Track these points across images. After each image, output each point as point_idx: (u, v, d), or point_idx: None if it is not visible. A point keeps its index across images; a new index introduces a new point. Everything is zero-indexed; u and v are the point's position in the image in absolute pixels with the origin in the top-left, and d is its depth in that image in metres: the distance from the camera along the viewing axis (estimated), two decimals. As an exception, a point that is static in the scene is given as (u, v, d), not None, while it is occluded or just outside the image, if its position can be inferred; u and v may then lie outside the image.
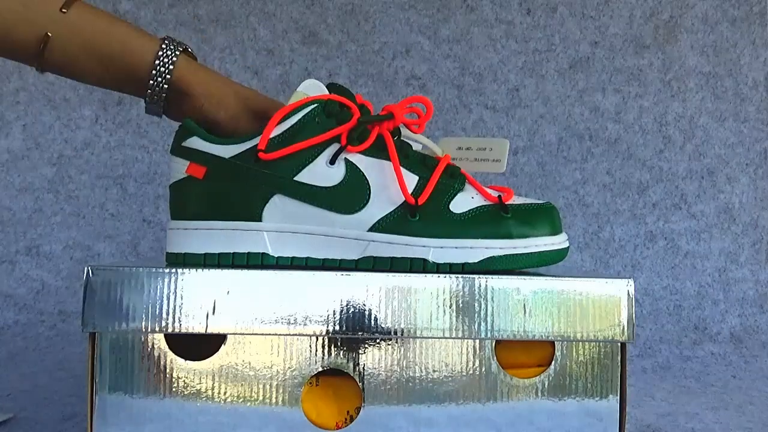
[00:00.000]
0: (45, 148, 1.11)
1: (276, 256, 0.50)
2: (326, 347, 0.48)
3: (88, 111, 1.12)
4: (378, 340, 0.48)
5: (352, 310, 0.47)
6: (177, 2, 1.12)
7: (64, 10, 0.51)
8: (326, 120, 0.51)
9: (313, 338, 0.48)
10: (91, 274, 0.46)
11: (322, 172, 0.50)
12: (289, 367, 0.47)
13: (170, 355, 0.47)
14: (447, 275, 0.47)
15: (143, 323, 0.46)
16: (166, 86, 0.53)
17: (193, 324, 0.46)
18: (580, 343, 0.49)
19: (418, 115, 0.55)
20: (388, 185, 0.50)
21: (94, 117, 1.12)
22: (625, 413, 0.49)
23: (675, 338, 1.03)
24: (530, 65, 1.14)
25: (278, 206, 0.50)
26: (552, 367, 0.49)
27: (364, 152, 0.51)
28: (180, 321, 0.46)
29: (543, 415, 0.48)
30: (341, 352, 0.48)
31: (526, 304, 0.48)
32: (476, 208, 0.50)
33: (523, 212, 0.50)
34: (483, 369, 0.48)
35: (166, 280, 0.46)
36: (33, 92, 1.11)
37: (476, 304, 0.47)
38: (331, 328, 0.47)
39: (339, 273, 0.47)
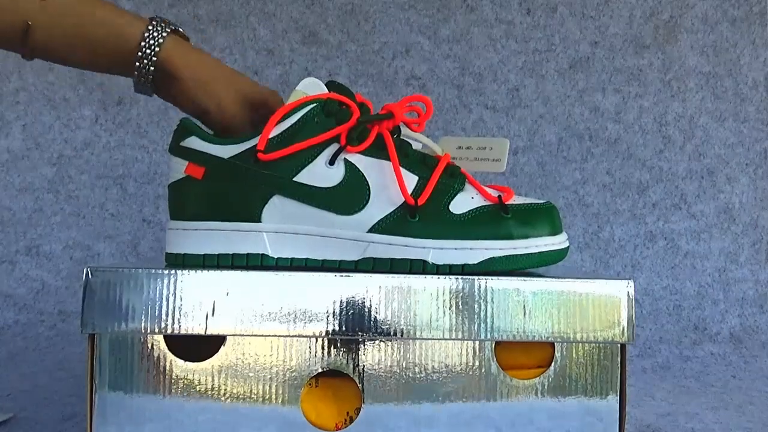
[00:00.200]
0: (45, 148, 1.11)
1: (275, 256, 0.50)
2: (326, 348, 0.48)
3: (88, 111, 1.12)
4: (378, 341, 0.48)
5: (351, 310, 0.47)
6: (177, 2, 1.12)
7: None
8: (325, 119, 0.51)
9: (313, 339, 0.47)
10: (90, 275, 0.46)
11: (322, 173, 0.50)
12: (288, 368, 0.47)
13: (170, 356, 0.47)
14: (447, 276, 0.47)
15: (143, 324, 0.46)
16: (152, 68, 0.52)
17: (192, 325, 0.46)
18: (580, 343, 0.49)
19: (418, 113, 0.55)
20: (388, 185, 0.50)
21: (94, 117, 1.12)
22: (625, 413, 0.49)
23: (675, 338, 1.03)
24: (530, 65, 1.14)
25: (277, 207, 0.50)
26: (552, 367, 0.49)
27: (363, 152, 0.51)
28: (179, 322, 0.46)
29: (543, 415, 0.48)
30: (341, 353, 0.48)
31: (525, 305, 0.48)
32: (476, 208, 0.50)
33: (523, 212, 0.50)
34: (483, 370, 0.48)
35: (166, 280, 0.46)
36: (33, 92, 1.11)
37: (476, 305, 0.47)
38: (330, 329, 0.47)
39: (339, 274, 0.47)
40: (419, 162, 0.52)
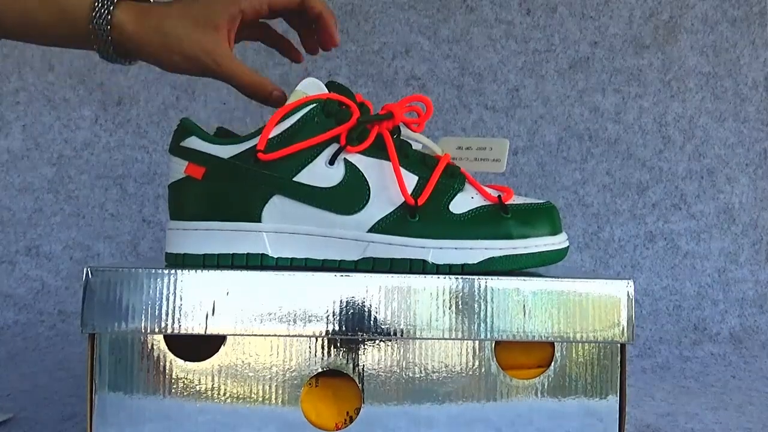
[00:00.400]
0: (45, 148, 1.11)
1: (275, 256, 0.50)
2: (326, 348, 0.48)
3: (88, 111, 1.12)
4: (377, 341, 0.48)
5: (351, 310, 0.47)
6: (177, 2, 1.12)
7: None
8: (325, 120, 0.51)
9: (313, 339, 0.47)
10: (90, 275, 0.46)
11: (322, 173, 0.50)
12: (288, 368, 0.47)
13: (169, 356, 0.47)
14: (447, 276, 0.47)
15: (143, 324, 0.46)
16: (110, 39, 0.51)
17: (192, 325, 0.46)
18: (580, 343, 0.49)
19: (418, 114, 0.55)
20: (388, 186, 0.50)
21: (93, 117, 1.12)
22: (625, 413, 0.49)
23: (675, 338, 1.03)
24: (530, 65, 1.14)
25: (277, 207, 0.50)
26: (552, 367, 0.49)
27: (363, 152, 0.51)
28: (179, 322, 0.46)
29: (543, 415, 0.48)
30: (341, 353, 0.48)
31: (525, 304, 0.48)
32: (476, 208, 0.50)
33: (523, 212, 0.50)
34: (483, 370, 0.48)
35: (166, 280, 0.46)
36: (33, 92, 1.11)
37: (476, 305, 0.47)
38: (330, 329, 0.47)
39: (339, 274, 0.47)
40: (419, 162, 0.52)
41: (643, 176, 1.13)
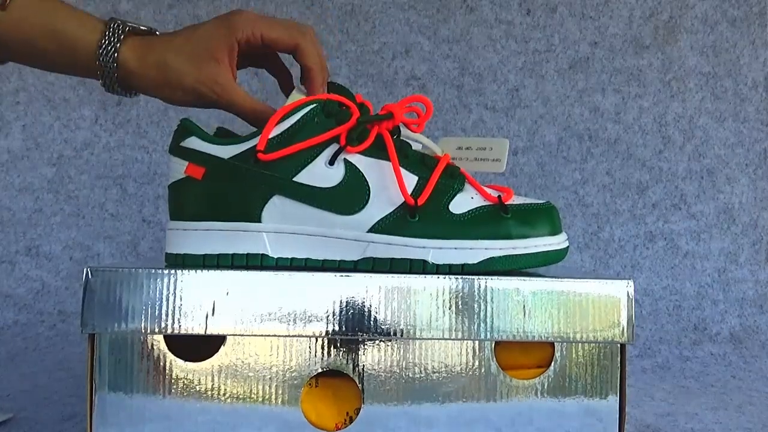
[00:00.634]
0: (45, 148, 1.11)
1: (275, 257, 0.50)
2: (326, 348, 0.48)
3: (87, 111, 1.12)
4: (377, 341, 0.48)
5: (351, 310, 0.47)
6: (177, 2, 1.12)
7: (6, 3, 0.51)
8: (325, 120, 0.51)
9: (313, 339, 0.47)
10: (90, 275, 0.46)
11: (322, 173, 0.50)
12: (288, 368, 0.47)
13: (169, 356, 0.47)
14: (447, 276, 0.47)
15: (142, 324, 0.46)
16: (116, 74, 0.52)
17: (192, 325, 0.46)
18: (580, 343, 0.49)
19: (418, 114, 0.55)
20: (388, 186, 0.50)
21: (93, 117, 1.12)
22: (625, 413, 0.49)
23: (675, 338, 1.03)
24: (530, 65, 1.14)
25: (277, 207, 0.50)
26: (552, 367, 0.49)
27: (363, 152, 0.51)
28: (179, 322, 0.46)
29: (543, 415, 0.48)
30: (341, 353, 0.48)
31: (525, 304, 0.48)
32: (476, 208, 0.50)
33: (523, 212, 0.50)
34: (482, 370, 0.48)
35: (166, 280, 0.46)
36: (33, 92, 1.11)
37: (476, 305, 0.47)
38: (330, 329, 0.47)
39: (339, 274, 0.47)
40: (419, 162, 0.52)
41: (643, 176, 1.13)
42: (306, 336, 0.47)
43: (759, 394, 0.83)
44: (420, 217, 0.49)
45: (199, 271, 0.47)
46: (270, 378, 0.47)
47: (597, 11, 1.14)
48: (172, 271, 0.47)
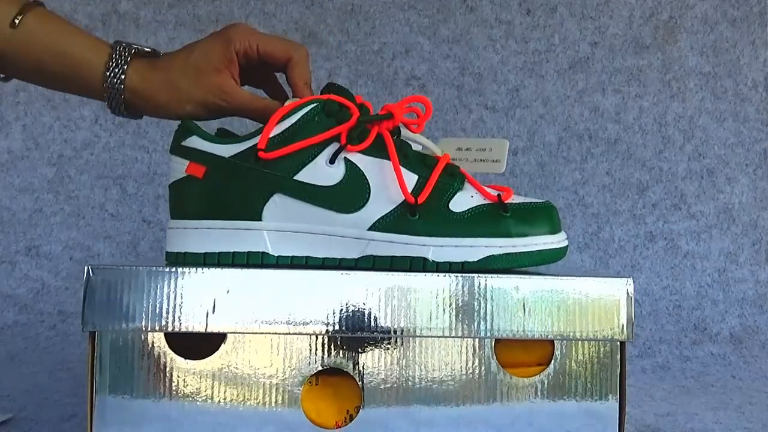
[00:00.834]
0: (45, 148, 1.11)
1: (276, 255, 0.50)
2: (326, 347, 0.48)
3: (87, 111, 1.12)
4: (378, 340, 0.48)
5: (352, 309, 0.47)
6: (177, 2, 1.12)
7: (16, 22, 0.51)
8: (326, 119, 0.51)
9: (313, 338, 0.48)
10: (91, 274, 0.46)
11: (322, 172, 0.50)
12: (288, 367, 0.47)
13: (170, 354, 0.47)
14: (446, 274, 0.47)
15: (143, 322, 0.46)
16: (122, 96, 0.53)
17: (193, 323, 0.46)
18: (580, 342, 0.49)
19: (418, 114, 0.55)
20: (388, 184, 0.50)
21: (93, 117, 1.12)
22: (625, 413, 0.49)
23: (675, 338, 1.03)
24: (530, 65, 1.14)
25: (278, 205, 0.50)
26: (551, 366, 0.49)
27: (363, 151, 0.51)
28: (180, 320, 0.46)
29: (543, 415, 0.48)
30: (341, 352, 0.48)
31: (525, 303, 0.48)
32: (476, 207, 0.50)
33: (522, 211, 0.50)
34: (482, 368, 0.48)
35: (166, 279, 0.46)
36: (33, 92, 1.11)
37: (476, 304, 0.47)
38: (331, 328, 0.47)
39: (339, 272, 0.47)
40: (419, 162, 0.52)
41: (643, 176, 1.13)
42: (306, 334, 0.47)
43: (759, 394, 0.83)
44: (420, 215, 0.49)
45: (199, 269, 0.47)
46: (270, 376, 0.47)
47: (597, 11, 1.15)
48: (173, 270, 0.47)
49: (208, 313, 0.46)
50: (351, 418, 0.48)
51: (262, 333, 0.47)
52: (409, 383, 0.48)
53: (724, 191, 1.14)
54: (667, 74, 1.14)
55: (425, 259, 0.49)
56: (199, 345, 0.48)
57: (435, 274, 0.47)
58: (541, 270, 0.53)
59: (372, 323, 0.47)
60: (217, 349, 0.47)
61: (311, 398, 0.48)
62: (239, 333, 0.47)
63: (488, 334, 0.47)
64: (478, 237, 0.49)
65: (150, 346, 0.47)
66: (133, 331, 0.46)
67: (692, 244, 1.12)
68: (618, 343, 0.49)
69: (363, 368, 0.48)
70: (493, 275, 0.48)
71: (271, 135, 0.50)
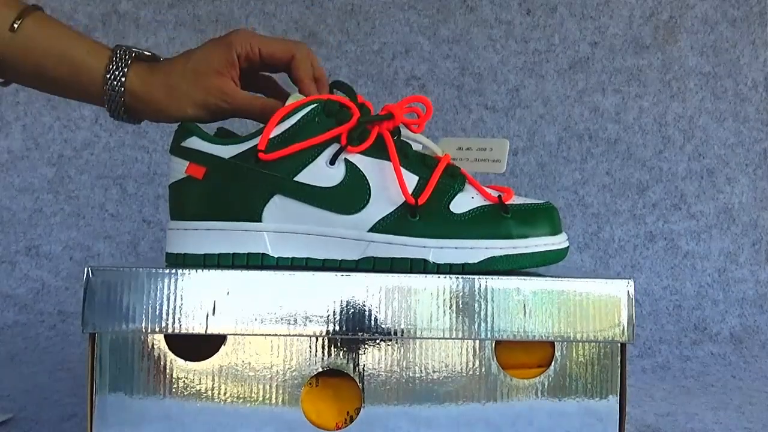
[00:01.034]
0: (45, 148, 1.11)
1: (276, 256, 0.50)
2: (326, 348, 0.48)
3: (87, 111, 1.12)
4: (378, 341, 0.48)
5: (352, 310, 0.47)
6: (177, 2, 1.12)
7: (15, 26, 0.51)
8: (326, 120, 0.51)
9: (313, 339, 0.48)
10: (91, 275, 0.46)
11: (322, 173, 0.50)
12: (289, 368, 0.47)
13: (170, 355, 0.47)
14: (447, 275, 0.47)
15: (143, 324, 0.46)
16: (122, 99, 0.53)
17: (193, 324, 0.46)
18: (580, 343, 0.49)
19: (418, 114, 0.55)
20: (388, 185, 0.50)
21: (93, 117, 1.12)
22: (625, 413, 0.49)
23: (675, 338, 1.03)
24: (530, 65, 1.14)
25: (278, 206, 0.50)
26: (552, 367, 0.49)
27: (364, 152, 0.51)
28: (180, 321, 0.46)
29: (543, 415, 0.48)
30: (341, 353, 0.48)
31: (526, 304, 0.48)
32: (476, 208, 0.50)
33: (523, 212, 0.50)
34: (483, 369, 0.48)
35: (166, 280, 0.46)
36: (33, 92, 1.11)
37: (476, 305, 0.47)
38: (331, 329, 0.47)
39: (339, 273, 0.47)
40: (419, 162, 0.52)
41: (643, 176, 1.13)
42: (306, 335, 0.47)
43: (759, 393, 0.83)
44: (420, 216, 0.49)
45: (199, 270, 0.47)
46: (270, 377, 0.47)
47: (597, 11, 1.14)
48: (173, 271, 0.47)
49: (208, 315, 0.46)
50: (351, 420, 0.48)
51: (262, 334, 0.47)
52: (410, 385, 0.48)
53: (724, 191, 1.14)
54: (667, 74, 1.14)
55: (426, 261, 0.49)
56: (199, 346, 0.48)
57: (435, 275, 0.47)
58: (542, 271, 0.53)
59: (372, 324, 0.47)
60: (217, 350, 0.47)
61: (311, 399, 0.48)
62: (239, 334, 0.47)
63: (489, 336, 0.47)
64: (478, 238, 0.49)
65: (150, 347, 0.47)
66: (133, 332, 0.46)
67: (692, 244, 1.12)
68: (619, 344, 0.49)
69: (363, 369, 0.48)
70: (493, 276, 0.48)
71: (271, 136, 0.50)
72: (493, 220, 0.49)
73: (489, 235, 0.49)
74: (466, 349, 0.48)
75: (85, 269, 0.46)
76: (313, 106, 0.51)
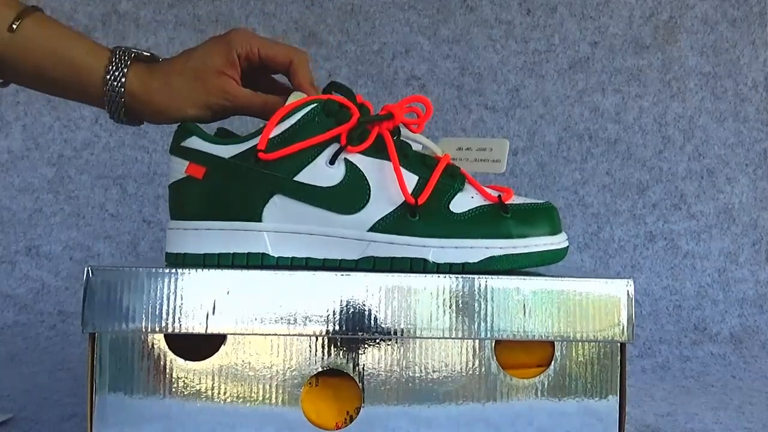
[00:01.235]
0: (45, 148, 1.11)
1: (276, 256, 0.50)
2: (326, 347, 0.48)
3: (87, 111, 1.12)
4: (378, 341, 0.48)
5: (352, 310, 0.47)
6: (177, 2, 1.12)
7: (14, 26, 0.51)
8: (326, 120, 0.51)
9: (313, 338, 0.48)
10: (91, 275, 0.46)
11: (322, 172, 0.50)
12: (288, 367, 0.47)
13: (170, 355, 0.47)
14: (447, 275, 0.47)
15: (143, 323, 0.46)
16: (122, 100, 0.53)
17: (193, 324, 0.46)
18: (580, 343, 0.49)
19: (418, 114, 0.55)
20: (388, 185, 0.50)
21: (93, 117, 1.12)
22: (625, 413, 0.49)
23: (675, 338, 1.03)
24: (530, 65, 1.14)
25: (278, 206, 0.50)
26: (552, 367, 0.49)
27: (363, 152, 0.51)
28: (180, 321, 0.46)
29: (543, 415, 0.48)
30: (341, 353, 0.48)
31: (525, 304, 0.48)
32: (476, 207, 0.50)
33: (523, 212, 0.50)
34: (483, 369, 0.48)
35: (166, 280, 0.46)
36: (33, 92, 1.10)
37: (476, 304, 0.47)
38: (331, 328, 0.47)
39: (339, 273, 0.47)
40: (419, 162, 0.52)
41: (643, 176, 1.13)
42: (306, 335, 0.47)
43: (759, 393, 0.83)
44: (420, 216, 0.49)
45: (199, 270, 0.47)
46: (270, 377, 0.47)
47: (597, 11, 1.14)
48: (173, 271, 0.47)
49: (208, 314, 0.46)
50: (351, 419, 0.48)
51: (262, 334, 0.47)
52: (410, 384, 0.48)
53: (724, 191, 1.14)
54: (667, 74, 1.14)
55: (425, 261, 0.49)
56: (199, 346, 0.48)
57: (435, 275, 0.47)
58: (542, 271, 0.53)
59: (372, 324, 0.47)
60: (217, 350, 0.47)
61: (311, 399, 0.48)
62: (239, 334, 0.47)
63: (488, 335, 0.47)
64: (478, 238, 0.49)
65: (150, 347, 0.47)
66: (133, 332, 0.46)
67: (692, 244, 1.12)
68: (618, 343, 0.49)
69: (363, 369, 0.48)
70: (493, 276, 0.48)
71: (271, 136, 0.50)
72: (492, 219, 0.49)
73: (489, 235, 0.49)
74: (466, 349, 0.48)
75: (85, 269, 0.46)
76: (312, 105, 0.51)
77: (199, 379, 0.47)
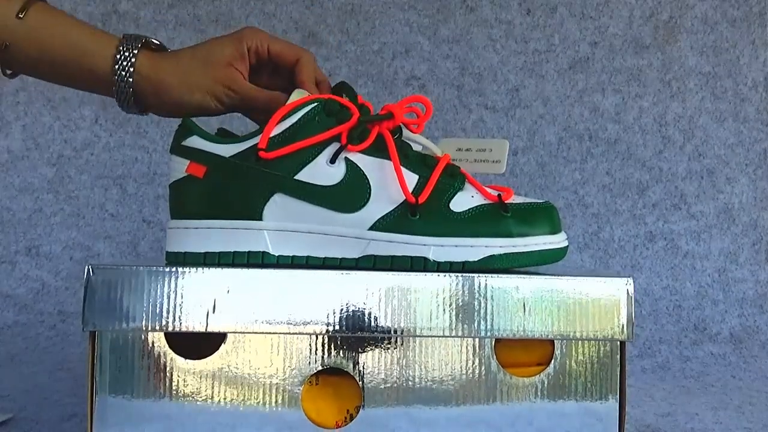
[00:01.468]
0: (45, 148, 1.11)
1: (276, 255, 0.50)
2: (326, 346, 0.48)
3: (87, 111, 1.12)
4: (378, 340, 0.48)
5: (352, 309, 0.47)
6: (177, 2, 1.12)
7: (20, 15, 0.51)
8: (326, 119, 0.51)
9: (313, 337, 0.48)
10: (91, 273, 0.46)
11: (323, 171, 0.50)
12: (289, 366, 0.47)
13: (170, 354, 0.47)
14: (447, 274, 0.47)
15: (143, 322, 0.46)
16: (131, 89, 0.53)
17: (193, 323, 0.46)
18: (580, 342, 0.49)
19: (418, 114, 0.55)
20: (389, 184, 0.50)
21: (93, 117, 1.12)
22: (625, 413, 0.49)
23: (675, 338, 1.03)
24: (530, 65, 1.14)
25: (279, 205, 0.50)
26: (551, 366, 0.49)
27: (364, 151, 0.51)
28: (180, 320, 0.46)
29: (542, 415, 0.48)
30: (341, 352, 0.48)
31: (525, 303, 0.48)
32: (476, 207, 0.50)
33: (523, 211, 0.50)
34: (483, 368, 0.48)
35: (167, 279, 0.46)
36: (33, 92, 1.11)
37: (476, 303, 0.47)
38: (331, 328, 0.47)
39: (339, 272, 0.47)
40: (419, 162, 0.52)
41: (643, 176, 1.13)
42: (307, 334, 0.47)
43: (759, 393, 0.83)
44: (421, 215, 0.49)
45: (200, 269, 0.47)
46: (271, 376, 0.47)
47: (597, 11, 1.15)
48: (173, 269, 0.47)
49: (208, 313, 0.46)
50: (351, 418, 0.48)
51: (263, 333, 0.47)
52: (410, 383, 0.48)
53: (724, 191, 1.14)
54: (667, 74, 1.14)
55: (426, 259, 0.49)
56: (199, 345, 0.48)
57: (435, 274, 0.47)
58: (542, 270, 0.53)
59: (372, 323, 0.47)
60: (217, 349, 0.47)
61: (311, 398, 0.48)
62: (239, 333, 0.47)
63: (488, 334, 0.47)
64: (478, 237, 0.49)
65: (150, 346, 0.47)
66: (133, 331, 0.46)
67: (692, 244, 1.12)
68: (618, 342, 0.49)
69: (363, 368, 0.48)
70: (493, 275, 0.48)
71: (272, 135, 0.50)
72: (492, 218, 0.50)
73: (489, 234, 0.49)
74: (466, 348, 0.48)
75: (86, 267, 0.46)
76: (313, 105, 0.51)
77: (199, 378, 0.47)
